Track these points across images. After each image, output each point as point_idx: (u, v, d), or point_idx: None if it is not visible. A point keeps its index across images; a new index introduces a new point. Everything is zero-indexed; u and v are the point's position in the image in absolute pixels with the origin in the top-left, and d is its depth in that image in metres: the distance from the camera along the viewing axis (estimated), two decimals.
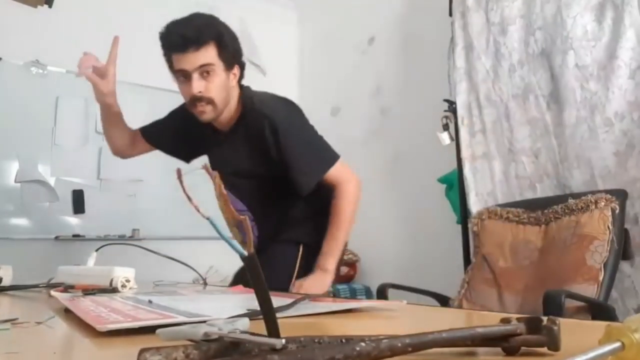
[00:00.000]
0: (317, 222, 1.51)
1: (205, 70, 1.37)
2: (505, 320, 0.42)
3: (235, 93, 1.48)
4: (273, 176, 1.48)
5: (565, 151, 1.95)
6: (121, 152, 1.75)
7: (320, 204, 1.50)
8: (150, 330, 0.46)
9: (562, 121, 1.96)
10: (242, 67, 1.48)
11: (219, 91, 1.40)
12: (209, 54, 1.37)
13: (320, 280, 1.41)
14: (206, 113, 1.42)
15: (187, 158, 1.68)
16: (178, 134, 1.64)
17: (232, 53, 1.42)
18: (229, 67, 1.42)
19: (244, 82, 1.53)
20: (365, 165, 3.29)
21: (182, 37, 1.37)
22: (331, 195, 1.47)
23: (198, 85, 1.37)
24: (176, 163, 3.07)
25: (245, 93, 1.51)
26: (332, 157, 1.48)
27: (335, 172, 1.46)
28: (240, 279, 1.60)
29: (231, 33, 1.44)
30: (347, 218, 1.46)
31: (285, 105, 1.52)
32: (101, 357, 0.50)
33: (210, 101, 1.40)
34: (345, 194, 1.48)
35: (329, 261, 1.42)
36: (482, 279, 1.90)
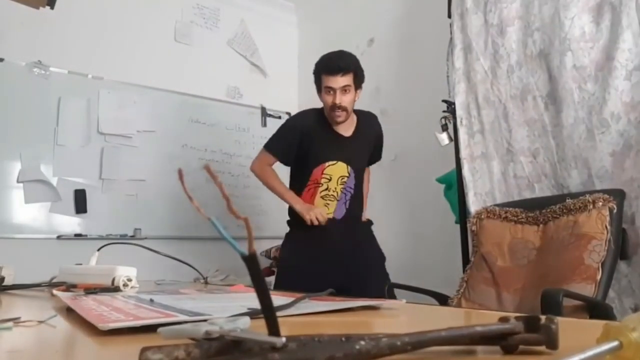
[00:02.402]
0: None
1: (344, 89, 2.08)
2: (504, 319, 0.43)
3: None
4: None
5: (563, 151, 1.96)
6: None
7: None
8: (151, 329, 0.46)
9: (560, 122, 1.96)
10: (361, 89, 2.19)
11: (350, 103, 2.12)
12: (349, 79, 2.09)
13: None
14: (341, 117, 2.12)
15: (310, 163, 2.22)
16: (309, 145, 2.18)
17: (360, 81, 2.16)
18: (357, 89, 2.15)
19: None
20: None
21: (337, 65, 2.09)
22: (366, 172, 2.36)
23: (339, 98, 2.08)
24: (176, 164, 3.09)
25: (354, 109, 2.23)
26: None
27: None
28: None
29: (361, 67, 2.17)
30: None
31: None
32: (103, 356, 0.51)
33: (345, 109, 2.10)
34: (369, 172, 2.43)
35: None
36: (481, 278, 1.90)
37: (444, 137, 2.42)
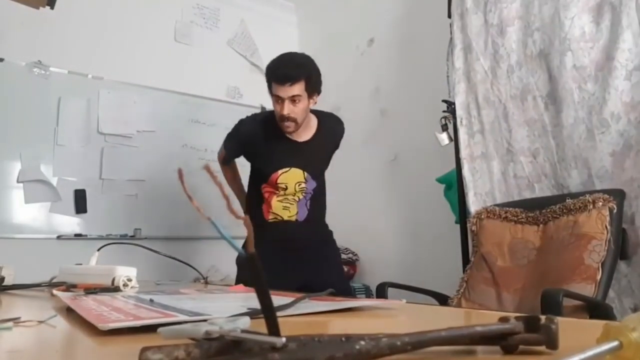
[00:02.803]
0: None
1: (294, 99, 1.89)
2: (504, 319, 0.43)
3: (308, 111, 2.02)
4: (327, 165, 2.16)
5: (563, 151, 1.96)
6: None
7: None
8: (151, 329, 0.46)
9: (560, 122, 1.96)
10: (319, 94, 2.00)
11: (301, 113, 1.94)
12: (299, 88, 1.89)
13: None
14: (290, 128, 1.96)
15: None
16: (259, 152, 2.08)
17: (315, 87, 1.96)
18: (310, 96, 1.95)
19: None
20: (365, 165, 3.30)
21: (285, 74, 1.88)
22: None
23: (288, 109, 1.90)
24: (176, 163, 3.09)
25: (316, 111, 2.09)
26: None
27: None
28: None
29: (317, 71, 1.97)
30: None
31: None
32: (103, 356, 0.51)
33: (294, 120, 1.94)
34: None
35: None
36: (481, 278, 1.90)
37: (444, 137, 2.42)
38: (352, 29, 3.45)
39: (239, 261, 2.15)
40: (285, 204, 2.04)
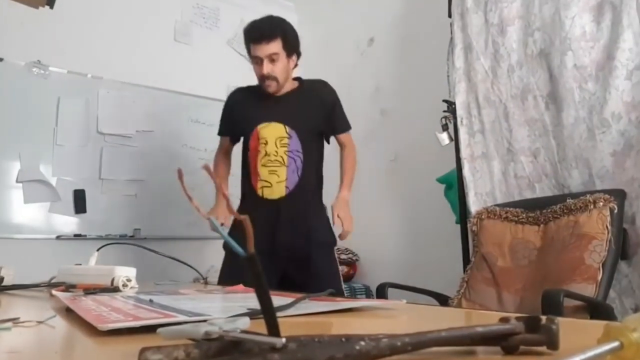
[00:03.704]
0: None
1: (272, 58, 1.91)
2: (504, 320, 0.43)
3: (291, 75, 2.04)
4: (318, 129, 2.05)
5: (564, 151, 1.96)
6: None
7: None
8: (151, 329, 0.46)
9: (560, 121, 1.96)
10: (298, 55, 2.04)
11: (281, 72, 1.95)
12: (276, 46, 1.91)
13: (348, 207, 2.00)
14: (271, 87, 1.96)
15: (250, 129, 2.04)
16: (239, 114, 2.09)
17: (292, 46, 1.98)
18: (289, 55, 1.97)
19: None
20: (365, 165, 3.29)
21: (260, 32, 1.91)
22: (342, 150, 2.13)
23: (267, 68, 1.92)
24: (176, 163, 3.09)
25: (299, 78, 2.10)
26: (349, 125, 2.16)
27: (348, 135, 2.15)
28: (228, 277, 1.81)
29: (294, 31, 2.00)
30: (356, 164, 2.13)
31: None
32: (102, 356, 0.50)
33: (274, 79, 1.94)
34: (353, 151, 2.14)
35: (349, 192, 2.05)
36: (481, 278, 1.90)
37: (444, 137, 2.42)
38: (352, 29, 3.45)
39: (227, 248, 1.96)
40: (271, 168, 1.94)
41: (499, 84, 2.19)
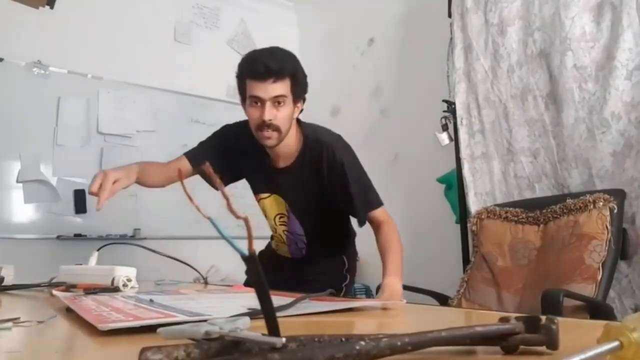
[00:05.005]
0: (352, 240, 1.87)
1: (277, 101, 1.44)
2: (504, 320, 0.43)
3: (293, 123, 1.55)
4: (327, 208, 1.60)
5: (564, 151, 1.96)
6: (156, 186, 1.74)
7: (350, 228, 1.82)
8: (151, 329, 0.46)
9: (560, 121, 1.96)
10: (304, 101, 1.56)
11: (285, 121, 1.47)
12: (284, 87, 1.44)
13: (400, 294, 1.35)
14: (271, 140, 1.49)
15: (230, 181, 1.70)
16: (226, 160, 1.67)
17: (302, 89, 1.51)
18: (296, 100, 1.50)
19: None
20: (365, 165, 3.29)
21: (266, 67, 1.42)
22: (377, 230, 1.62)
23: (270, 113, 1.44)
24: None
25: (303, 125, 1.60)
26: (380, 198, 1.64)
27: (382, 211, 1.63)
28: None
29: (303, 71, 1.52)
30: (400, 247, 1.58)
31: (340, 137, 1.62)
32: (103, 356, 0.51)
33: (277, 129, 1.47)
34: (395, 229, 1.62)
35: (400, 279, 1.42)
36: (481, 278, 1.90)
37: (444, 137, 2.42)
38: (352, 29, 3.45)
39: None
40: (276, 236, 1.74)
41: (499, 84, 2.19)
